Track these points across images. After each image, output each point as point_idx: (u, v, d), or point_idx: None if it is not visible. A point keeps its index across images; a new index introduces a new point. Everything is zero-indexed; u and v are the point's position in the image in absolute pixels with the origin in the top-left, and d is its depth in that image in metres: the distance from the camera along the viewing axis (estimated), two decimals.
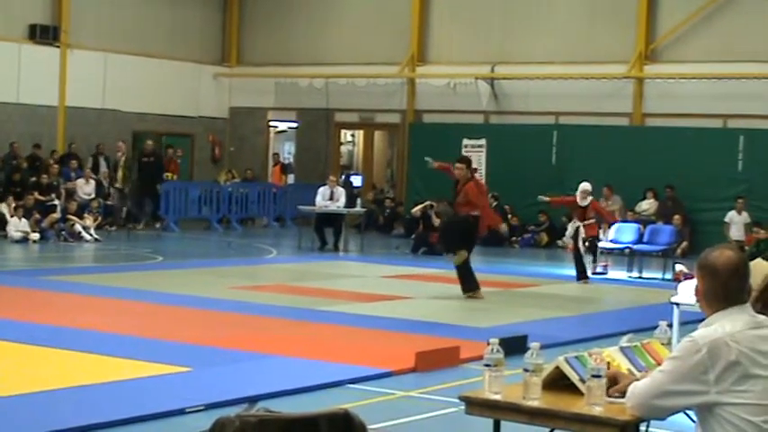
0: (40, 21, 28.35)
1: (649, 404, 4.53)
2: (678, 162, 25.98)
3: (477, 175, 18.10)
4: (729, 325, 4.41)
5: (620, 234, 22.20)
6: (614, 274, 20.71)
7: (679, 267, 17.06)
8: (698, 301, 4.64)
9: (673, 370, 4.44)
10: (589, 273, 19.51)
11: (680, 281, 12.88)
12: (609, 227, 22.04)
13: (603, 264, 20.96)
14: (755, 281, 5.04)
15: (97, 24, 29.59)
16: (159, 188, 27.54)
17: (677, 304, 10.50)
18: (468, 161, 17.05)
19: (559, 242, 26.39)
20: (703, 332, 4.45)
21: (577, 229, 19.66)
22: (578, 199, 19.57)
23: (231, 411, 3.81)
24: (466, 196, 16.18)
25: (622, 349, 5.33)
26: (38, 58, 28.17)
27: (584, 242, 19.58)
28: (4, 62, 27.43)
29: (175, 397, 8.76)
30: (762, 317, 4.53)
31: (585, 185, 19.66)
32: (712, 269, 4.52)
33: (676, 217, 24.43)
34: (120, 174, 28.33)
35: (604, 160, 26.78)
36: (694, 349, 4.40)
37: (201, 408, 8.43)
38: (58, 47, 28.63)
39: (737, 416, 4.32)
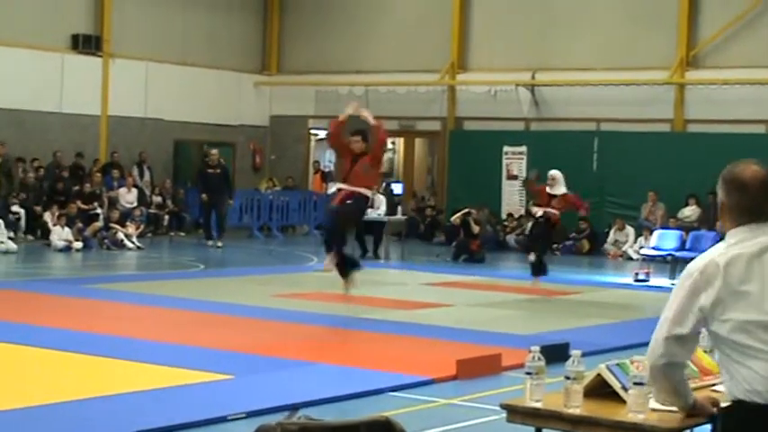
0: (83, 31, 28.55)
1: (664, 347, 4.44)
2: (720, 168, 24.92)
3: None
4: (743, 242, 4.34)
5: (663, 241, 22.10)
6: (656, 281, 20.58)
7: None
8: (721, 217, 4.56)
9: (672, 302, 4.42)
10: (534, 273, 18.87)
11: None
12: (585, 213, 21.88)
13: (645, 271, 20.85)
14: None
15: (139, 34, 29.77)
16: (231, 202, 27.10)
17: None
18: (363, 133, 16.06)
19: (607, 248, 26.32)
20: (699, 257, 4.40)
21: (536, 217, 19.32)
22: (547, 187, 18.96)
23: (272, 419, 3.83)
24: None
25: None
26: (80, 67, 28.37)
27: (532, 229, 19.33)
28: (47, 72, 27.64)
29: (217, 404, 8.78)
30: None
31: (553, 172, 19.05)
32: (740, 183, 4.45)
33: (719, 223, 24.24)
34: None
35: (646, 167, 26.67)
36: (687, 274, 4.38)
37: (243, 415, 8.45)
38: (100, 56, 28.82)
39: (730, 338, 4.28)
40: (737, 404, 4.29)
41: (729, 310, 4.28)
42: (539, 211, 19.05)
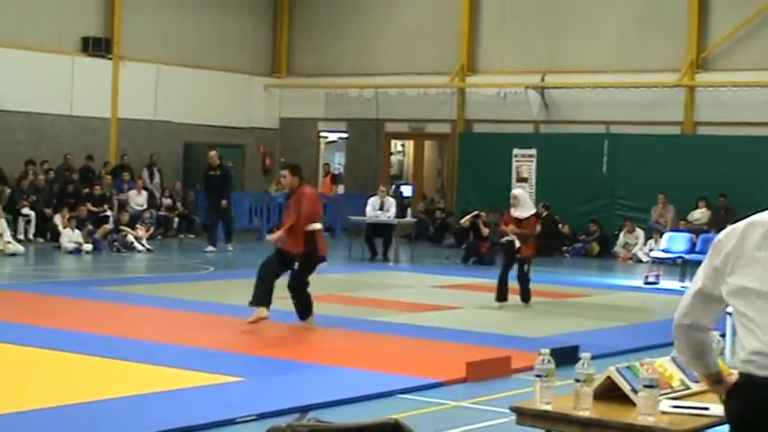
0: (93, 33, 28.60)
1: (688, 305, 4.51)
2: (730, 171, 25.79)
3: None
4: None
5: (672, 243, 22.07)
6: (666, 283, 20.56)
7: None
8: None
9: (701, 269, 4.50)
10: None
11: None
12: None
13: (655, 273, 20.83)
14: None
15: (149, 37, 29.83)
16: (224, 204, 25.21)
17: (730, 314, 10.42)
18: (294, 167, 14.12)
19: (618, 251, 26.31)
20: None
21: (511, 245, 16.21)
22: (511, 209, 16.41)
23: (283, 421, 3.83)
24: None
25: (675, 359, 5.31)
26: (90, 70, 28.42)
27: (521, 264, 16.09)
28: (57, 75, 27.70)
29: (227, 406, 8.80)
30: None
31: (516, 192, 17.10)
32: None
33: (729, 226, 24.17)
34: None
35: (655, 169, 26.65)
36: (717, 237, 4.50)
37: (253, 417, 8.47)
38: (110, 59, 28.88)
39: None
40: (739, 376, 4.30)
41: (736, 272, 4.30)
42: (508, 235, 16.23)
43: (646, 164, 26.87)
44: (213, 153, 25.80)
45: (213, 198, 25.34)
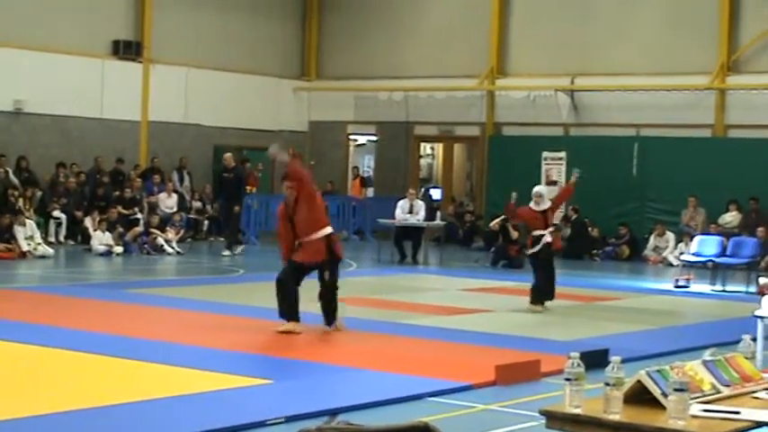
0: (123, 37, 28.74)
1: None
2: (762, 174, 25.67)
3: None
4: None
5: (703, 247, 21.97)
6: (697, 287, 20.48)
7: (763, 280, 16.88)
8: None
9: None
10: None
11: (764, 294, 12.73)
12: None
13: (686, 277, 20.75)
14: None
15: (179, 40, 29.94)
16: (237, 209, 24.87)
17: (761, 318, 10.37)
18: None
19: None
20: None
21: (540, 240, 16.41)
22: (533, 205, 16.74)
23: (312, 424, 3.83)
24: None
25: (705, 363, 5.28)
26: (121, 73, 28.56)
27: (547, 255, 16.48)
28: (88, 78, 27.84)
29: (256, 409, 8.81)
30: None
31: (539, 188, 17.13)
32: None
33: (760, 229, 24.05)
34: None
35: (686, 172, 26.55)
36: None
37: (282, 420, 8.47)
38: (140, 62, 29.00)
39: None
40: None
41: None
42: (546, 237, 16.40)
43: (676, 167, 26.77)
44: (228, 155, 25.55)
45: (227, 201, 25.17)
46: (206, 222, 28.48)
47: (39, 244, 22.79)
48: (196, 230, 28.06)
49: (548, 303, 16.35)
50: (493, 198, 29.39)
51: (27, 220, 22.99)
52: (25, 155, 26.45)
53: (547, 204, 16.64)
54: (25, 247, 22.41)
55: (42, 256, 22.46)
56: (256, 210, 27.80)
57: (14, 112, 26.66)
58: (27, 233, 22.73)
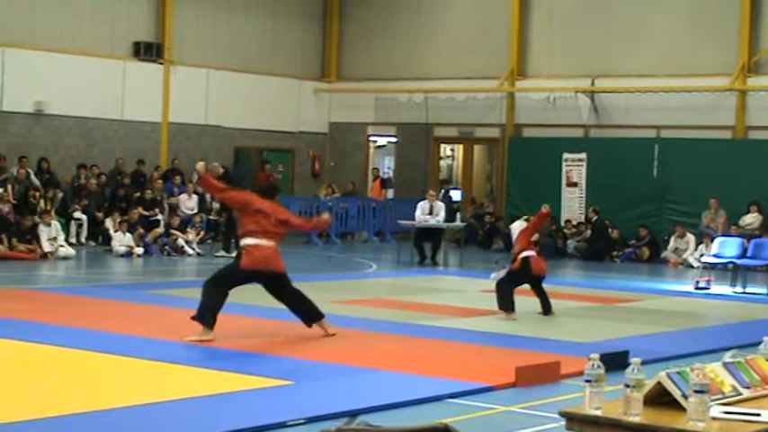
0: (144, 38, 28.84)
1: None
2: None
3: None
4: None
5: (724, 248, 21.92)
6: (717, 288, 20.43)
7: None
8: None
9: None
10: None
11: None
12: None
13: (706, 279, 20.70)
14: None
15: (199, 41, 30.03)
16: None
17: None
18: None
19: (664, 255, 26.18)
20: None
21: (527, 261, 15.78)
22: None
23: (332, 425, 3.84)
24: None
25: (726, 365, 5.28)
26: (142, 74, 28.67)
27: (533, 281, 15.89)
28: (109, 79, 27.95)
29: (276, 410, 8.82)
30: None
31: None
32: None
33: None
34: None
35: (707, 174, 26.49)
36: None
37: (302, 421, 8.48)
38: (161, 64, 29.09)
39: None
40: None
41: None
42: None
43: (697, 168, 26.72)
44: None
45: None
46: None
47: (61, 245, 22.87)
48: (216, 232, 28.10)
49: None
50: (513, 199, 29.39)
51: (53, 222, 23.09)
52: (47, 156, 26.58)
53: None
54: (48, 248, 22.51)
55: (64, 257, 22.56)
56: None
57: (36, 113, 26.78)
58: (51, 234, 22.83)
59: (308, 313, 12.98)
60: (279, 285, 12.92)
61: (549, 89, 29.60)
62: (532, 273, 15.71)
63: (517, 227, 16.49)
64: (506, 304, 15.35)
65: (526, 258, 15.71)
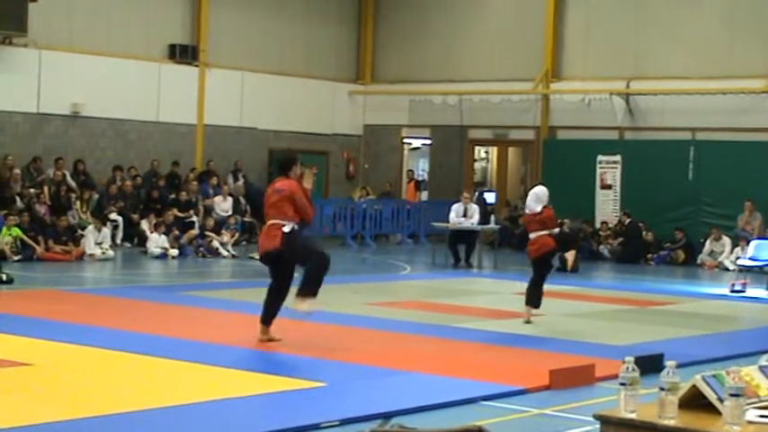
0: (179, 41, 28.95)
1: None
2: None
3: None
4: None
5: (760, 251, 21.80)
6: (753, 291, 20.32)
7: None
8: None
9: None
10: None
11: None
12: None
13: (742, 282, 20.59)
14: None
15: (235, 44, 30.12)
16: None
17: None
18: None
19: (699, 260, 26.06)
20: None
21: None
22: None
23: (366, 427, 3.85)
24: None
25: (761, 368, 5.25)
26: (177, 77, 28.77)
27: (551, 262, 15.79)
28: (144, 81, 28.07)
29: (310, 412, 8.83)
30: None
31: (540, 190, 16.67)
32: None
33: None
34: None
35: (742, 176, 26.35)
36: None
37: (336, 423, 8.49)
38: (196, 66, 29.20)
39: None
40: None
41: None
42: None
43: (732, 171, 26.58)
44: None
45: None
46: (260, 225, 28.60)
47: (105, 249, 22.99)
48: (251, 234, 28.16)
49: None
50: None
51: (103, 228, 23.23)
52: (83, 158, 26.72)
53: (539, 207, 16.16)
54: (93, 250, 22.65)
55: (104, 259, 22.67)
56: None
57: (72, 115, 26.93)
58: (99, 239, 23.01)
59: (306, 281, 12.91)
60: (281, 263, 13.19)
61: (583, 91, 29.51)
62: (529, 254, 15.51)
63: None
64: (528, 300, 15.18)
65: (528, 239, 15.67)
